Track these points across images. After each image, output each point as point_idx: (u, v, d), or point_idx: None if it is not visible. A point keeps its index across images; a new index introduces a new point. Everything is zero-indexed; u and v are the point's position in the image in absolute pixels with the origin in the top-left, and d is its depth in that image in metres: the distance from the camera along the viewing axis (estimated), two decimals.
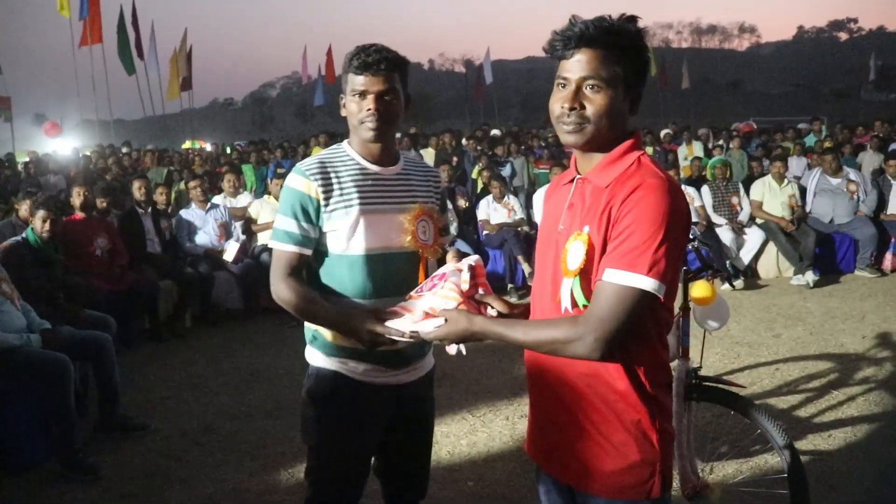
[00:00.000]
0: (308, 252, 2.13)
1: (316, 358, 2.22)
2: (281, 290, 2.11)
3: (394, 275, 2.14)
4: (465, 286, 1.80)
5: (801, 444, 3.94)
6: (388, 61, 2.08)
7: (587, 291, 1.57)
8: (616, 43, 1.57)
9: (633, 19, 1.61)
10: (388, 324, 1.87)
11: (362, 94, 2.09)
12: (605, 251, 1.55)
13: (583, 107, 1.59)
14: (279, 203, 2.16)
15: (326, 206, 2.09)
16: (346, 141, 2.23)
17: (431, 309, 1.76)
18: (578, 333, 1.52)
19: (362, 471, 2.27)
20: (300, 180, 2.10)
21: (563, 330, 1.55)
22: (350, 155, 2.18)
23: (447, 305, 1.75)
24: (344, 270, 2.12)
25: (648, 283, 1.49)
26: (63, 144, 22.11)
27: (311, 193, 2.09)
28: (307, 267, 2.17)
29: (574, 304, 1.59)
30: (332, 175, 2.11)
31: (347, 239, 2.10)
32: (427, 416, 2.38)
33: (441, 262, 2.23)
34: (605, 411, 1.62)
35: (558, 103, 1.62)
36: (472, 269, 1.84)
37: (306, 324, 2.22)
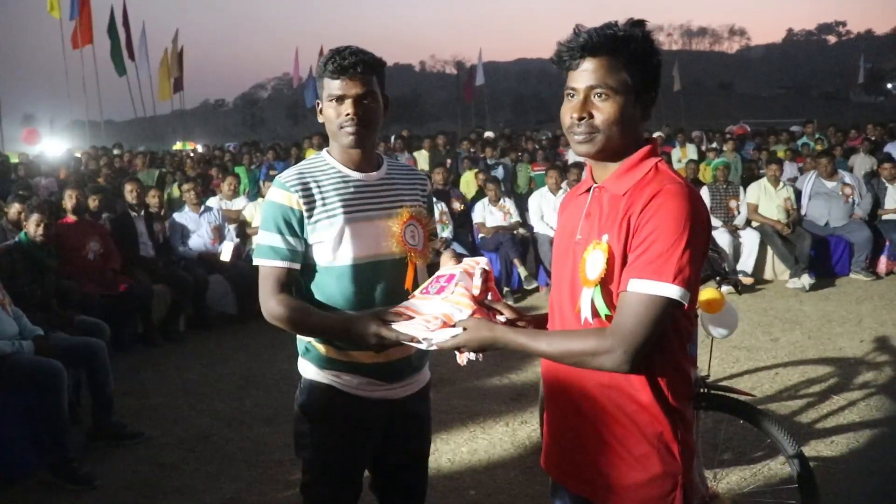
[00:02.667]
0: (296, 266, 2.04)
1: (309, 371, 2.15)
2: (273, 307, 2.01)
3: (383, 283, 2.07)
4: (477, 291, 1.75)
5: (805, 450, 3.91)
6: (365, 63, 2.00)
7: (609, 301, 1.54)
8: (622, 50, 1.55)
9: (639, 24, 1.58)
10: (396, 326, 1.79)
11: (339, 99, 2.01)
12: (625, 259, 1.52)
13: (591, 116, 1.57)
14: (261, 217, 2.09)
15: (310, 217, 2.02)
16: (325, 149, 2.16)
17: (445, 316, 1.69)
18: (607, 346, 1.49)
19: (356, 484, 2.21)
20: (281, 193, 2.03)
21: (590, 342, 1.52)
22: (330, 163, 2.10)
23: (461, 313, 1.69)
24: (332, 282, 2.05)
25: (674, 291, 1.46)
26: (53, 146, 21.96)
27: (294, 206, 2.01)
28: (295, 283, 2.10)
29: (595, 313, 1.56)
30: (313, 185, 2.04)
31: (333, 250, 2.03)
32: (423, 431, 2.31)
33: (432, 267, 2.15)
34: (626, 423, 1.59)
35: (567, 114, 1.60)
36: (484, 273, 1.79)
37: (298, 336, 2.15)
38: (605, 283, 1.54)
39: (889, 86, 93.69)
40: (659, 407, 1.56)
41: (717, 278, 3.03)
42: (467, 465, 3.93)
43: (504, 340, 1.63)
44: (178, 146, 29.36)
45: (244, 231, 7.80)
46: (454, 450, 4.08)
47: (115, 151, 16.10)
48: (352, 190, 2.07)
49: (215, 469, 3.96)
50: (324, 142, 14.10)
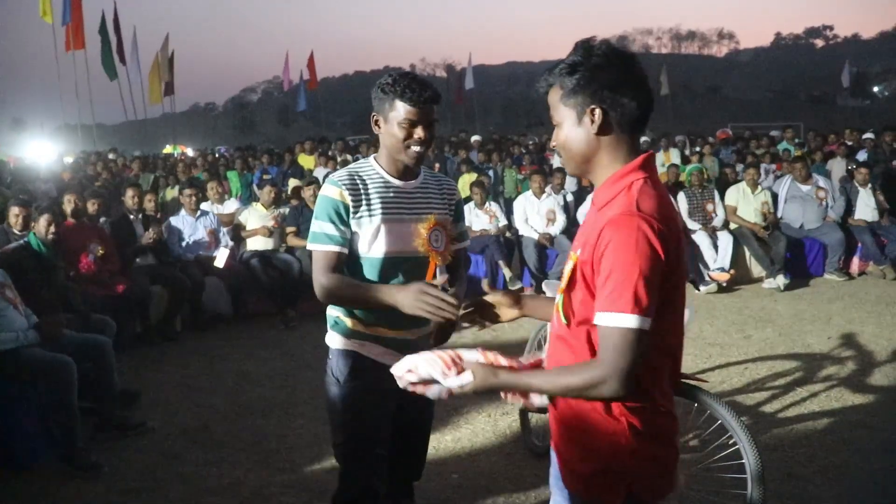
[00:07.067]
0: (345, 251, 2.40)
1: (336, 341, 2.52)
2: (327, 284, 2.36)
3: (406, 275, 2.43)
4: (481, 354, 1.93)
5: (765, 438, 4.20)
6: (436, 96, 2.39)
7: (567, 308, 1.73)
8: (568, 78, 1.68)
9: (586, 44, 1.68)
10: (416, 364, 1.90)
11: (413, 123, 2.36)
12: (584, 274, 1.67)
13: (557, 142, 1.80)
14: (315, 210, 2.46)
15: (355, 212, 2.39)
16: (372, 156, 2.53)
17: (457, 355, 1.86)
18: (600, 378, 1.61)
19: (382, 444, 2.52)
20: (333, 189, 2.40)
21: (585, 376, 1.64)
22: (376, 170, 2.48)
23: (469, 353, 1.87)
24: (366, 270, 2.43)
25: (633, 321, 1.57)
26: (44, 150, 22.03)
27: (343, 200, 2.38)
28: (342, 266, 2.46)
29: (559, 317, 1.76)
30: (360, 186, 2.41)
31: (370, 243, 2.41)
32: (429, 401, 2.61)
33: (451, 266, 2.57)
34: (593, 421, 1.72)
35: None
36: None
37: (328, 311, 2.53)
38: (567, 292, 1.73)
39: (875, 89, 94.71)
40: (624, 413, 1.68)
41: None
42: (451, 451, 4.20)
43: (509, 384, 1.81)
44: (168, 149, 29.50)
45: (238, 234, 8.02)
46: (439, 438, 4.34)
47: (111, 156, 16.26)
48: (391, 194, 2.46)
49: (216, 457, 4.21)
50: (315, 147, 14.29)
